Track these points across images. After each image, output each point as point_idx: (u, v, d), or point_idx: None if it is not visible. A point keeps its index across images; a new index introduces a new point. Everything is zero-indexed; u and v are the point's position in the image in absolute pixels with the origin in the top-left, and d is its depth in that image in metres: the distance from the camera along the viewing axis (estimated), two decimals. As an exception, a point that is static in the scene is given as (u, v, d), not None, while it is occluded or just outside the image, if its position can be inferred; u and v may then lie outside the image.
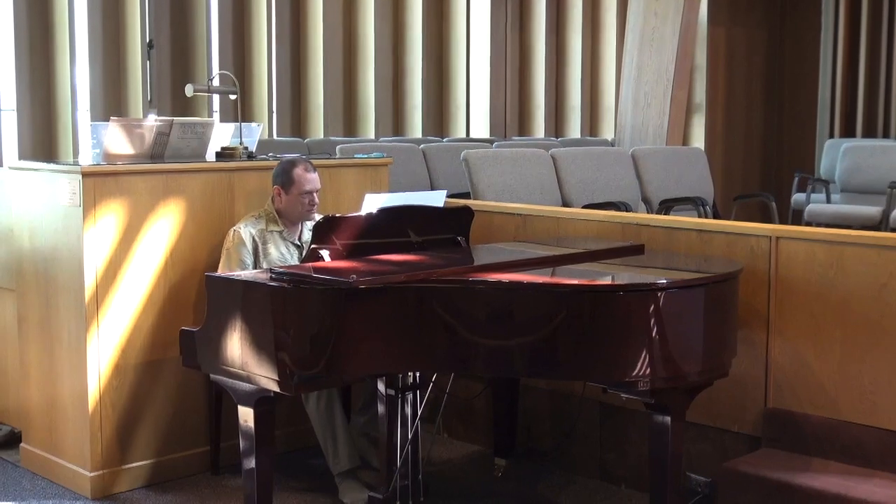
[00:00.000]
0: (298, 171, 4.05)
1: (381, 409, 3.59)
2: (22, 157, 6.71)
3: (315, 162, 4.22)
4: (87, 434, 3.96)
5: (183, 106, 7.35)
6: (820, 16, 10.67)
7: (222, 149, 4.44)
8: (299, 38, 8.53)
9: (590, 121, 10.57)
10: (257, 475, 3.42)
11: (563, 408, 4.31)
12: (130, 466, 4.07)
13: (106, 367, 3.98)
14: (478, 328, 3.19)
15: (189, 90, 4.67)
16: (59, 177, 3.98)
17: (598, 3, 10.55)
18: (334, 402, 3.92)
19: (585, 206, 5.80)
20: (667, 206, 6.69)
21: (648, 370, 3.12)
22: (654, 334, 3.12)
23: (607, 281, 3.45)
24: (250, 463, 3.42)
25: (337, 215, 3.68)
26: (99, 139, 4.32)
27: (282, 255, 4.08)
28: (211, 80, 6.31)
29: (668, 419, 3.27)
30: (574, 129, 10.36)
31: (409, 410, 3.60)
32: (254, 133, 4.87)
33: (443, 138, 8.60)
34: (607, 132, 10.36)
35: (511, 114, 10.06)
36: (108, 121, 4.24)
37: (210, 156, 4.42)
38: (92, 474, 3.98)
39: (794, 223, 8.89)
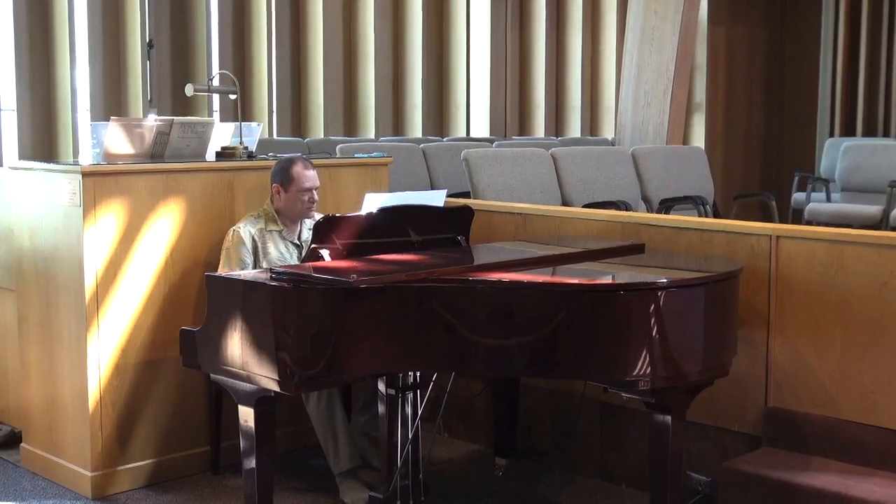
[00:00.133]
0: (297, 168, 4.05)
1: (381, 408, 3.59)
2: (22, 156, 6.71)
3: (315, 161, 4.22)
4: (88, 434, 3.96)
5: (183, 105, 7.35)
6: (820, 14, 10.67)
7: (222, 148, 4.44)
8: (299, 37, 8.52)
9: (590, 120, 10.57)
10: (258, 475, 3.42)
11: (564, 407, 4.31)
12: (130, 466, 4.07)
13: (106, 367, 3.98)
14: (478, 328, 3.19)
15: (189, 90, 4.67)
16: (59, 176, 3.98)
17: (598, 3, 10.54)
18: (335, 402, 3.92)
19: (585, 206, 5.80)
20: (667, 206, 6.70)
21: (649, 369, 3.12)
22: (654, 334, 3.11)
23: (608, 280, 3.45)
24: (251, 463, 3.42)
25: (337, 215, 3.68)
26: (99, 139, 4.31)
27: (281, 254, 4.08)
28: (211, 79, 6.31)
29: (668, 418, 3.27)
30: (574, 128, 10.35)
31: (409, 410, 3.60)
32: (254, 133, 4.87)
33: (443, 138, 8.59)
34: (607, 131, 10.36)
35: (511, 113, 10.06)
36: (108, 120, 4.24)
37: (210, 155, 4.42)
38: (92, 474, 3.98)
39: (794, 222, 8.88)
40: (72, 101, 6.98)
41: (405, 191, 4.25)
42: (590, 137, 9.89)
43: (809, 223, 8.41)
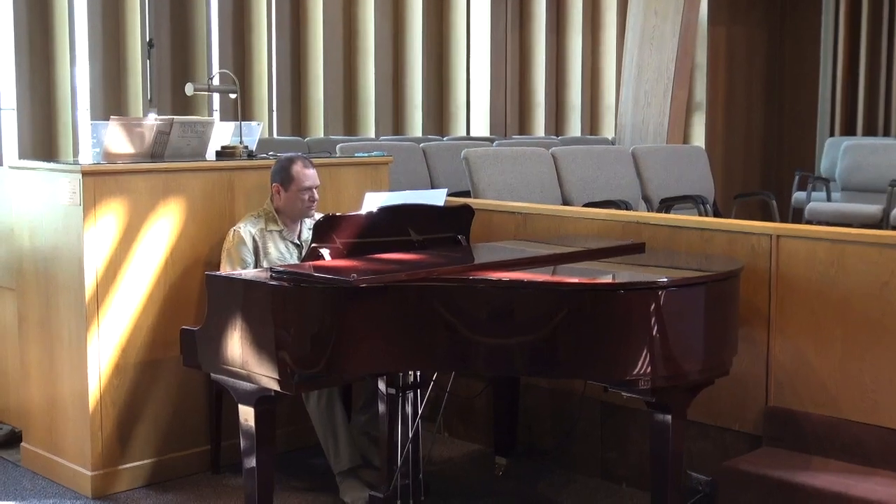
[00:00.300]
0: (297, 167, 4.04)
1: (381, 407, 3.59)
2: (22, 156, 6.70)
3: (315, 161, 4.22)
4: (88, 433, 3.96)
5: (183, 105, 7.34)
6: (820, 14, 10.66)
7: (222, 148, 4.44)
8: (299, 36, 8.52)
9: (590, 119, 10.57)
10: (258, 474, 3.41)
11: (564, 406, 4.31)
12: (131, 466, 4.07)
13: (106, 367, 3.98)
14: (478, 327, 3.19)
15: (189, 89, 4.67)
16: (59, 176, 3.97)
17: (599, 2, 10.54)
18: (335, 401, 3.92)
19: (586, 205, 5.80)
20: (667, 205, 6.69)
21: (649, 369, 3.12)
22: (654, 333, 3.11)
23: (608, 279, 3.45)
24: (251, 462, 3.42)
25: (337, 214, 3.68)
26: (99, 138, 4.31)
27: (281, 254, 4.08)
28: (211, 78, 6.31)
29: (668, 418, 3.27)
30: (574, 127, 10.35)
31: (409, 409, 3.60)
32: (254, 132, 4.87)
33: (443, 137, 8.59)
34: (607, 131, 10.36)
35: (511, 112, 10.06)
36: (108, 120, 4.24)
37: (210, 155, 4.42)
38: (92, 473, 3.98)
39: (794, 222, 8.88)
40: (72, 101, 6.98)
41: (405, 190, 4.25)
42: (590, 137, 9.89)
43: (810, 222, 8.40)
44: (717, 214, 7.14)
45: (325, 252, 3.53)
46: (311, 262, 3.49)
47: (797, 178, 9.48)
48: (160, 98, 7.26)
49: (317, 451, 4.05)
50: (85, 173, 3.87)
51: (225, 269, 3.96)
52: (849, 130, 10.40)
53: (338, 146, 6.49)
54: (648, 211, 6.63)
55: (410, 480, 3.64)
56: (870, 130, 10.30)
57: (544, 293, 3.15)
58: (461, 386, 4.26)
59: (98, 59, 7.16)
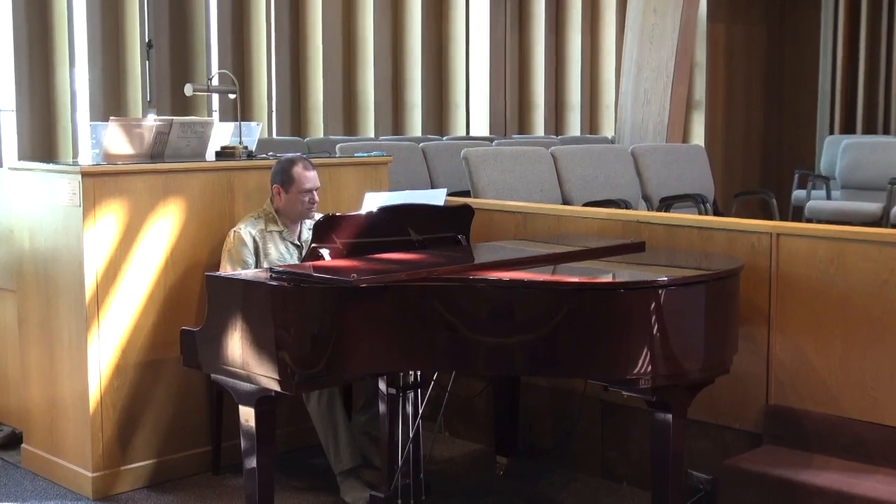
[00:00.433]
0: (297, 169, 4.04)
1: (382, 407, 3.59)
2: (21, 157, 6.70)
3: (315, 161, 4.22)
4: (88, 434, 3.96)
5: (182, 105, 7.34)
6: (819, 12, 10.66)
7: (222, 148, 4.44)
8: (299, 36, 8.52)
9: (590, 118, 10.57)
10: (258, 475, 3.41)
11: (565, 406, 4.31)
12: (131, 467, 4.07)
13: (106, 368, 3.98)
14: (479, 326, 3.19)
15: (188, 90, 4.66)
16: (59, 177, 3.97)
17: (598, 1, 10.54)
18: (335, 401, 3.92)
19: (586, 204, 5.80)
20: (667, 204, 6.69)
21: (649, 368, 3.12)
22: (654, 332, 3.11)
23: (608, 279, 3.45)
24: (251, 463, 3.42)
25: (337, 214, 3.68)
26: (98, 139, 4.31)
27: (281, 254, 4.08)
28: (210, 79, 6.31)
29: (669, 416, 3.27)
30: (574, 126, 10.35)
31: (410, 409, 3.60)
32: (253, 132, 4.86)
33: (443, 137, 8.58)
34: (607, 130, 10.35)
35: (511, 112, 10.06)
36: (107, 121, 4.24)
37: (210, 155, 4.42)
38: (93, 475, 3.98)
39: (794, 220, 8.87)
40: (71, 102, 6.98)
41: (405, 190, 4.25)
42: (589, 136, 9.89)
43: (810, 221, 8.40)
44: (716, 213, 7.15)
45: (325, 252, 3.53)
46: (311, 262, 3.49)
47: (797, 176, 9.48)
48: (159, 99, 7.26)
49: (317, 451, 4.05)
50: (84, 174, 3.87)
51: (226, 270, 3.96)
52: (848, 128, 10.40)
53: (337, 146, 6.49)
54: (648, 210, 6.64)
55: (411, 480, 3.64)
56: (869, 128, 10.30)
57: (544, 292, 3.15)
58: (462, 385, 4.26)
59: (97, 60, 7.16)
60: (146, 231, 4.04)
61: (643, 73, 8.14)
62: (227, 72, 5.76)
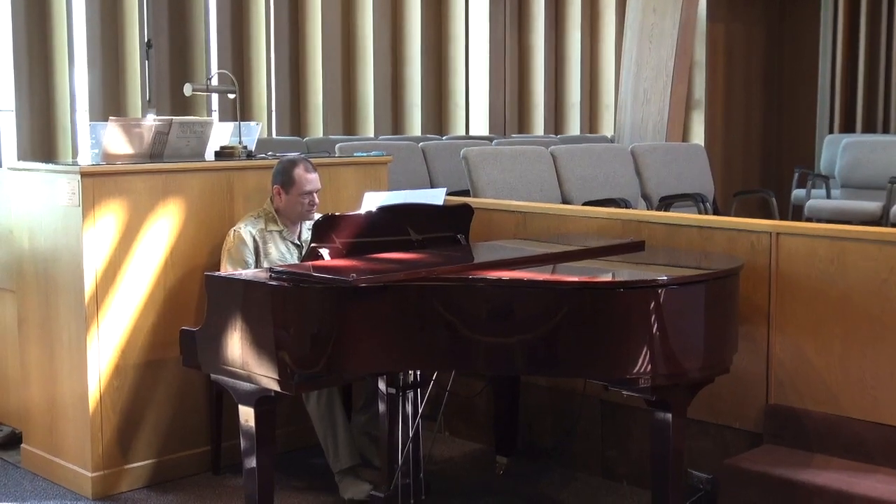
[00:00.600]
0: (299, 171, 4.04)
1: (381, 407, 3.59)
2: (21, 157, 6.70)
3: (314, 161, 4.22)
4: (88, 434, 3.96)
5: (182, 105, 7.33)
6: (819, 11, 10.66)
7: (221, 148, 4.44)
8: (298, 36, 8.51)
9: (589, 118, 10.56)
10: (258, 475, 3.41)
11: (564, 405, 4.31)
12: (131, 467, 4.07)
13: (106, 368, 3.98)
14: (478, 326, 3.19)
15: (188, 89, 4.66)
16: (59, 177, 3.97)
17: (597, 0, 10.54)
18: (335, 401, 3.92)
19: (585, 204, 5.80)
20: (667, 203, 6.69)
21: (649, 367, 3.12)
22: (654, 331, 3.11)
23: (608, 278, 3.45)
24: (251, 462, 3.42)
25: (336, 214, 3.68)
26: (98, 139, 4.31)
27: (282, 254, 4.07)
28: (210, 79, 6.31)
29: (669, 416, 3.27)
30: (573, 126, 10.35)
31: (409, 409, 3.60)
32: (253, 132, 4.86)
33: (442, 136, 8.58)
34: (607, 129, 10.35)
35: (510, 111, 10.05)
36: (106, 121, 4.23)
37: (209, 155, 4.42)
38: (93, 475, 3.98)
39: (794, 219, 8.87)
40: (70, 102, 6.98)
41: (404, 189, 4.24)
42: (589, 135, 9.88)
43: (809, 220, 8.40)
44: (716, 212, 7.15)
45: (325, 252, 3.53)
46: (310, 262, 3.49)
47: (797, 175, 9.48)
48: (159, 99, 7.25)
49: (317, 451, 4.05)
50: (84, 174, 3.87)
51: (226, 270, 3.96)
52: (848, 127, 10.39)
53: (337, 146, 6.49)
54: (648, 209, 6.64)
55: (411, 480, 3.64)
56: (869, 127, 10.30)
57: (544, 292, 3.15)
58: (461, 385, 4.26)
59: (97, 60, 7.16)
60: (146, 231, 4.04)
61: (643, 72, 8.14)
62: (226, 72, 5.76)
